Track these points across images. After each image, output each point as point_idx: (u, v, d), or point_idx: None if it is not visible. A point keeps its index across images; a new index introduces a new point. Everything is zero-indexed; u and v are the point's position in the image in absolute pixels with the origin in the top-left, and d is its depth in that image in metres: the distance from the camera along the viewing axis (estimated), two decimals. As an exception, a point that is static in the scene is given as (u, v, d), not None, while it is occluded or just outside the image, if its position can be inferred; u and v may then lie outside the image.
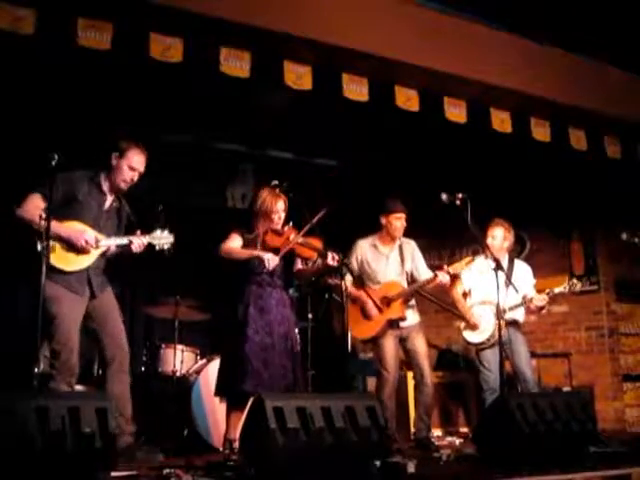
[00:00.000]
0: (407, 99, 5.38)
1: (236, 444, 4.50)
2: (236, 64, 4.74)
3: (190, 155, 7.03)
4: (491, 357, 5.81)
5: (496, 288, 5.04)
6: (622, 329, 7.59)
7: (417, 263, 5.81)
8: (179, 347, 6.12)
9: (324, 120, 6.22)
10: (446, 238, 8.31)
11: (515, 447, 4.17)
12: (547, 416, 4.31)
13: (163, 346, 6.16)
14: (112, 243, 4.41)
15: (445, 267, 5.59)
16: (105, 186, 4.51)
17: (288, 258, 4.86)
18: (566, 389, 6.96)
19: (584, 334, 7.54)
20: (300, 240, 4.72)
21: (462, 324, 6.03)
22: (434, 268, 5.82)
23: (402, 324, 5.63)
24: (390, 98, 5.33)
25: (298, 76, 4.95)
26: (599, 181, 7.05)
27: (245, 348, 4.56)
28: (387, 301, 5.57)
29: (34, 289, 4.10)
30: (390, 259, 5.75)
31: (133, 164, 4.46)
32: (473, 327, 5.91)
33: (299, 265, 4.99)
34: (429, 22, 5.38)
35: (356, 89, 5.18)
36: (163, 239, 4.47)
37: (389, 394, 5.53)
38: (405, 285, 5.70)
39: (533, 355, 6.88)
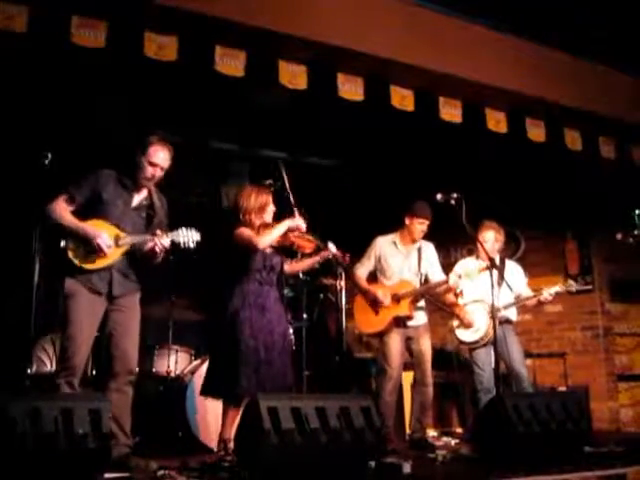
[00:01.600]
0: (402, 99, 5.38)
1: (231, 444, 4.46)
2: (231, 63, 4.72)
3: (184, 154, 6.99)
4: (485, 357, 5.82)
5: (490, 287, 5.04)
6: (617, 329, 7.60)
7: (433, 266, 5.86)
8: (173, 347, 6.10)
9: (319, 119, 6.21)
10: (441, 238, 8.29)
11: (511, 447, 4.18)
12: (542, 416, 4.32)
13: (157, 346, 6.13)
14: (133, 241, 4.31)
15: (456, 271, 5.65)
16: (131, 184, 4.43)
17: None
18: (561, 389, 6.96)
19: (579, 334, 7.55)
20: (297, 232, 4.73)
21: (455, 323, 6.03)
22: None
23: (410, 324, 5.67)
24: (385, 98, 5.33)
25: (293, 75, 4.94)
26: (594, 181, 7.06)
27: (242, 348, 4.51)
28: (397, 298, 5.60)
29: (49, 286, 4.11)
30: (409, 258, 5.78)
31: (153, 160, 4.37)
32: (467, 325, 5.91)
33: (292, 261, 4.98)
34: (424, 22, 5.37)
35: (351, 89, 5.17)
36: (188, 237, 4.34)
37: (391, 390, 5.56)
38: (416, 285, 5.73)
39: (529, 355, 6.89)
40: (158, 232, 4.34)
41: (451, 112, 5.59)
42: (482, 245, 5.61)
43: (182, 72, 4.93)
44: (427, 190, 5.31)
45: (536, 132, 6.03)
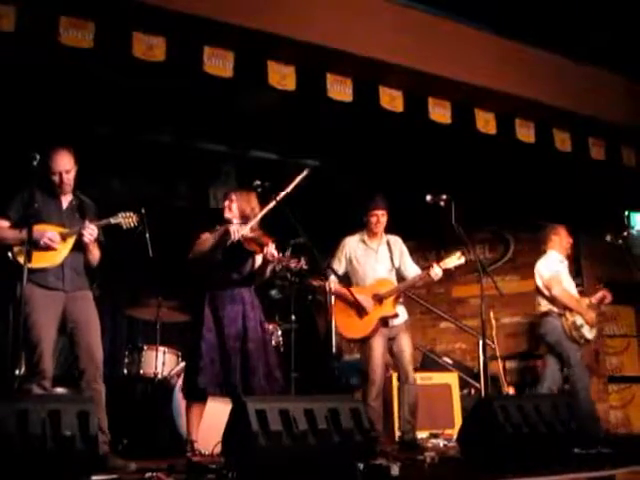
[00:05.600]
0: (391, 99, 5.38)
1: (196, 445, 4.60)
2: (219, 64, 4.72)
3: (172, 155, 6.98)
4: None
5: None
6: (607, 330, 7.62)
7: (404, 259, 5.79)
8: (161, 349, 6.07)
9: (308, 120, 6.20)
10: (431, 239, 8.31)
11: (499, 449, 4.17)
12: (531, 418, 4.31)
13: (145, 347, 6.10)
14: (74, 233, 4.43)
15: (435, 263, 5.59)
16: (54, 191, 4.52)
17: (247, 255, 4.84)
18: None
19: (569, 335, 7.54)
20: (247, 233, 4.65)
21: (579, 321, 6.01)
22: (422, 268, 5.81)
23: (392, 323, 5.61)
24: (374, 98, 5.33)
25: (282, 76, 4.94)
26: (583, 182, 7.07)
27: (201, 346, 4.63)
28: (379, 299, 5.54)
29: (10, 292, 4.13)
30: (379, 254, 5.71)
31: (54, 169, 4.45)
32: (591, 324, 5.98)
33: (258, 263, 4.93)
34: (413, 23, 5.38)
35: (340, 89, 5.17)
36: (127, 218, 4.51)
37: (376, 395, 5.49)
38: (395, 282, 5.69)
39: (518, 355, 6.89)
40: (86, 222, 4.45)
41: (440, 113, 5.60)
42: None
43: (171, 73, 4.91)
44: (417, 191, 5.30)
45: (525, 133, 6.04)
